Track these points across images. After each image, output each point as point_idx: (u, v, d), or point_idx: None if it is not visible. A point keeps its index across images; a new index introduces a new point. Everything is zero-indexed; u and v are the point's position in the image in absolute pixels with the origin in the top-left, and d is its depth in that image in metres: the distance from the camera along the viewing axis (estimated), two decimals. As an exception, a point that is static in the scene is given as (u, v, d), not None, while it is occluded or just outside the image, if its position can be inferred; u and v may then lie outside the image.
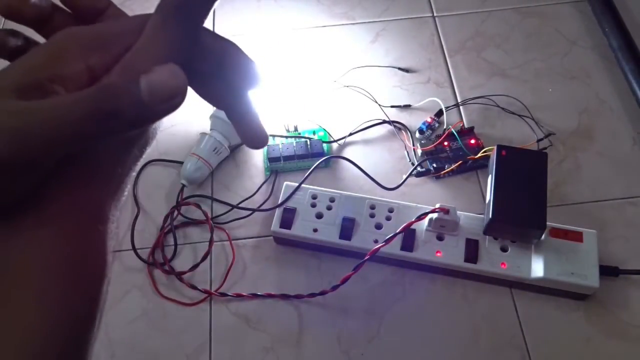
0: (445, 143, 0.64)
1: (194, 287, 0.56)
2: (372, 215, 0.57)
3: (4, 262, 0.19)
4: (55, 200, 0.21)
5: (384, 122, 0.66)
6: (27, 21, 0.23)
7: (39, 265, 0.20)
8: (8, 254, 0.20)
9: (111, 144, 0.22)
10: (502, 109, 0.67)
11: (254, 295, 0.56)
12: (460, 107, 0.68)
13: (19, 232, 0.20)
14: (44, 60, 0.20)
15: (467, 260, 0.54)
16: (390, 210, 0.57)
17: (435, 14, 0.77)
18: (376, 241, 0.55)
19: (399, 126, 0.66)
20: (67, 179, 0.21)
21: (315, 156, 0.63)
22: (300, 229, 0.56)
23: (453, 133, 0.63)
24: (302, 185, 0.59)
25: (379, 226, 0.56)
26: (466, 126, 0.65)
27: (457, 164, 0.62)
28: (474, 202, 0.61)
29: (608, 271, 0.54)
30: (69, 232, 0.21)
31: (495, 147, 0.56)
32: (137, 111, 0.19)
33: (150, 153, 0.69)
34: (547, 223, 0.51)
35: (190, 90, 0.22)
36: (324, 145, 0.64)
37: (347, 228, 0.56)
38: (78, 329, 0.20)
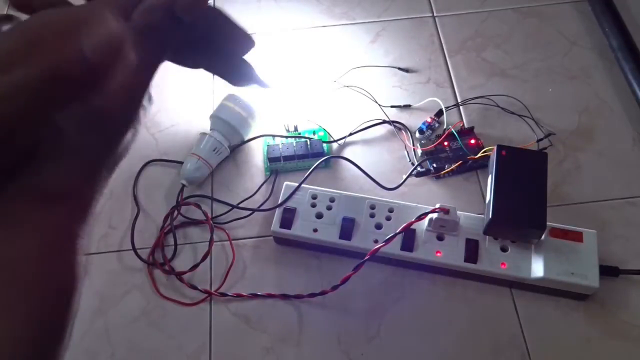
0: (445, 143, 0.64)
1: (194, 287, 0.56)
2: (372, 215, 0.57)
3: None
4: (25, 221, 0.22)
5: (384, 122, 0.66)
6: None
7: (6, 283, 0.20)
8: None
9: (81, 163, 0.24)
10: (502, 109, 0.67)
11: (254, 295, 0.56)
12: (460, 107, 0.68)
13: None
14: None
15: (467, 260, 0.54)
16: (390, 210, 0.57)
17: (435, 14, 0.77)
18: (376, 241, 0.55)
19: (399, 126, 0.66)
20: (37, 198, 0.22)
21: (315, 156, 0.63)
22: (300, 229, 0.56)
23: (453, 133, 0.63)
24: (302, 185, 0.59)
25: (379, 226, 0.56)
26: (466, 126, 0.65)
27: (457, 164, 0.61)
28: (474, 202, 0.61)
29: (608, 271, 0.54)
30: (37, 250, 0.21)
31: (495, 147, 0.56)
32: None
33: (150, 153, 0.69)
34: (547, 223, 0.51)
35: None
36: (324, 145, 0.64)
37: (347, 228, 0.56)
38: (46, 342, 0.21)
